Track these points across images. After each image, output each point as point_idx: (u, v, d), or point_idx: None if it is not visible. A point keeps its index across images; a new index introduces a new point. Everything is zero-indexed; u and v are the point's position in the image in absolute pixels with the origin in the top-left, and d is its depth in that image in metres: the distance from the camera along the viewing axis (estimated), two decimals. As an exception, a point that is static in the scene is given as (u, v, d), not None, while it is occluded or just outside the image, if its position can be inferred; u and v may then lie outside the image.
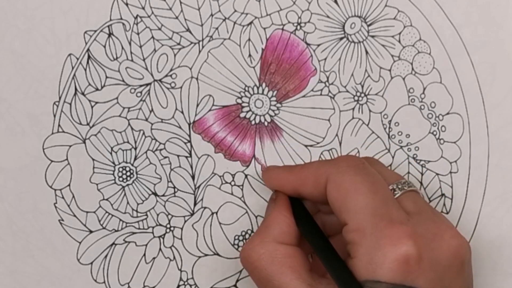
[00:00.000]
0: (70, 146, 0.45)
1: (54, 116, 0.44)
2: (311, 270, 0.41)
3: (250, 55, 0.45)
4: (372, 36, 0.46)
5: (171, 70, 0.45)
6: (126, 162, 0.45)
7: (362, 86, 0.46)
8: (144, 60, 0.45)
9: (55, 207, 0.45)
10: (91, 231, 0.45)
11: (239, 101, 0.46)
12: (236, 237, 0.46)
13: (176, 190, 0.45)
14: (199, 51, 0.45)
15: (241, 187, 0.46)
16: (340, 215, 0.40)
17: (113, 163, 0.45)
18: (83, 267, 0.45)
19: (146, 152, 0.45)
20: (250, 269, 0.41)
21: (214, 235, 0.46)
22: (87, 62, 0.44)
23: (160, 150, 0.45)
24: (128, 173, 0.45)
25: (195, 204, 0.46)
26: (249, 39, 0.45)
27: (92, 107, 0.45)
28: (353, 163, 0.41)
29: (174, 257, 0.46)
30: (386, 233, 0.38)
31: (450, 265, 0.39)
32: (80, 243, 0.45)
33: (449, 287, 0.39)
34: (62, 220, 0.45)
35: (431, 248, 0.38)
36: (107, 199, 0.45)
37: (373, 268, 0.37)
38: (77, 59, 0.44)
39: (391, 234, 0.38)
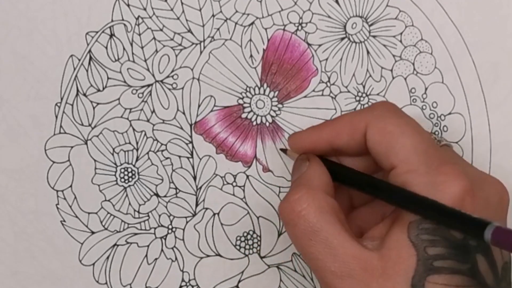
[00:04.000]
0: (72, 147, 0.45)
1: (56, 117, 0.44)
2: None
3: (251, 56, 0.45)
4: (374, 36, 0.46)
5: (172, 71, 0.45)
6: (128, 163, 0.45)
7: (364, 86, 0.46)
8: (145, 61, 0.45)
9: (57, 208, 0.45)
10: (93, 232, 0.45)
11: (241, 101, 0.46)
12: (238, 238, 0.46)
13: (177, 191, 0.45)
14: (201, 52, 0.45)
15: (242, 188, 0.46)
16: (386, 159, 0.39)
17: (115, 164, 0.45)
18: (85, 268, 0.45)
19: (147, 153, 0.45)
20: (295, 220, 0.38)
21: (215, 236, 0.46)
22: (89, 63, 0.44)
23: (162, 151, 0.45)
24: (130, 174, 0.45)
25: (196, 205, 0.46)
26: (250, 40, 0.45)
27: (93, 108, 0.45)
28: (391, 107, 0.41)
29: (176, 258, 0.46)
30: (441, 170, 0.37)
31: (497, 208, 0.39)
32: (82, 244, 0.45)
33: None
34: (64, 221, 0.45)
35: (481, 188, 0.38)
36: (109, 200, 0.45)
37: None
38: (79, 60, 0.44)
39: (447, 172, 0.37)
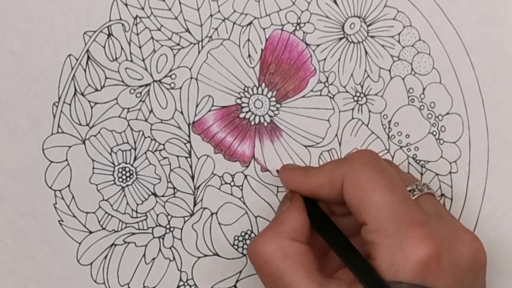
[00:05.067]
0: (70, 146, 0.45)
1: (54, 116, 0.44)
2: (320, 270, 0.40)
3: (249, 56, 0.45)
4: (372, 37, 0.46)
5: (170, 70, 0.45)
6: (126, 163, 0.45)
7: (362, 86, 0.46)
8: (143, 60, 0.45)
9: (55, 207, 0.45)
10: (90, 232, 0.45)
11: (239, 101, 0.46)
12: (236, 238, 0.46)
13: (175, 190, 0.45)
14: (199, 52, 0.45)
15: (240, 187, 0.46)
16: (359, 215, 0.39)
17: (113, 163, 0.45)
18: (83, 268, 0.45)
19: (145, 152, 0.45)
20: (260, 263, 0.40)
21: (213, 235, 0.46)
22: (87, 63, 0.44)
23: (160, 150, 0.45)
24: (128, 174, 0.45)
25: (194, 204, 0.46)
26: (248, 40, 0.45)
27: (91, 107, 0.45)
28: (368, 159, 0.40)
29: (174, 258, 0.46)
30: (408, 234, 0.37)
31: (469, 269, 0.39)
32: (80, 243, 0.45)
33: None
34: (62, 220, 0.45)
35: (451, 250, 0.38)
36: (106, 200, 0.45)
37: (395, 269, 0.37)
38: (77, 59, 0.44)
39: (413, 235, 0.37)
